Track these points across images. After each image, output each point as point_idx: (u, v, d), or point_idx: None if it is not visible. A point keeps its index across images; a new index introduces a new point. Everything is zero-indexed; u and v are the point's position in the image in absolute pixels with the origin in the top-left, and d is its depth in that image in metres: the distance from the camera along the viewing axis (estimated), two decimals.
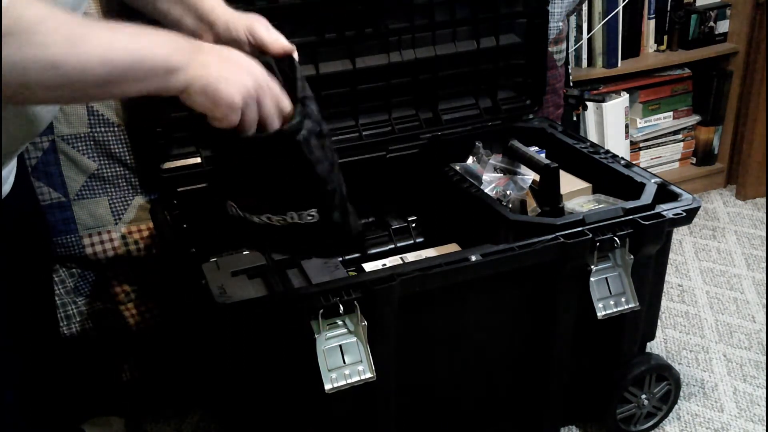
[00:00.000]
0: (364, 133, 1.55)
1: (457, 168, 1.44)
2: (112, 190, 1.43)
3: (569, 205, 1.37)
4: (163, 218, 1.31)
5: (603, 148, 1.51)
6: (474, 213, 1.34)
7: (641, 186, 1.32)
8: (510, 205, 1.36)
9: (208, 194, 1.33)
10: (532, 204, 1.39)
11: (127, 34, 0.74)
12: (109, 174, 1.42)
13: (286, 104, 0.87)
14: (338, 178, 0.96)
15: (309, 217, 0.95)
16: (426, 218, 1.56)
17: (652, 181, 1.34)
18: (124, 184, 1.44)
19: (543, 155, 1.46)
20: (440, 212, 1.50)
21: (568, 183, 1.44)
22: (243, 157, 0.91)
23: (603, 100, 2.06)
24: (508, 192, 1.37)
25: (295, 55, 0.98)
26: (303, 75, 0.94)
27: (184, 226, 1.29)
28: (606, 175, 1.43)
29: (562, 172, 1.35)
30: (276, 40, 0.96)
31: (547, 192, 1.33)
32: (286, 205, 0.94)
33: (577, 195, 1.42)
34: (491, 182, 1.39)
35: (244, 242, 1.04)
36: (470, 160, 1.49)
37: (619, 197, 1.36)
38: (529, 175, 1.39)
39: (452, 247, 1.43)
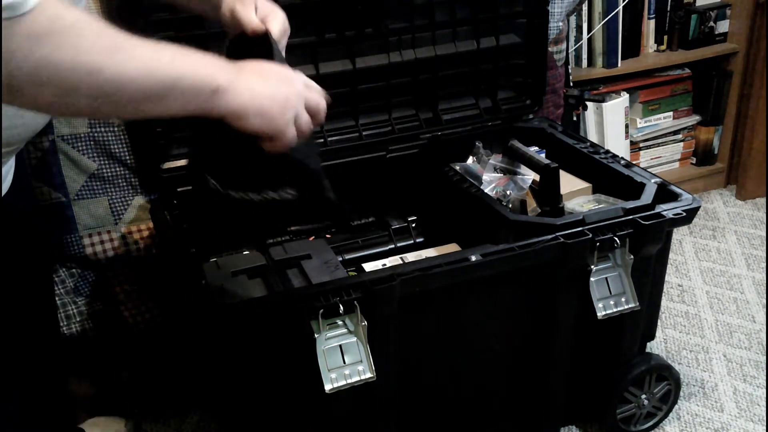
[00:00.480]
0: (364, 133, 1.55)
1: (457, 168, 1.44)
2: (112, 190, 1.43)
3: (569, 205, 1.37)
4: (163, 218, 1.31)
5: (603, 148, 1.51)
6: (474, 213, 1.34)
7: (641, 186, 1.32)
8: (510, 205, 1.36)
9: (189, 169, 1.29)
10: (532, 204, 1.39)
11: (170, 51, 0.73)
12: (109, 174, 1.42)
13: (323, 105, 0.89)
14: (317, 154, 0.98)
15: (287, 195, 0.95)
16: (426, 218, 1.56)
17: (652, 181, 1.34)
18: (124, 184, 1.44)
19: (543, 155, 1.46)
20: (440, 212, 1.50)
21: (568, 183, 1.44)
22: (227, 138, 0.91)
23: (603, 100, 2.06)
24: (508, 192, 1.37)
25: (276, 28, 0.99)
26: (279, 52, 0.96)
27: (184, 226, 1.29)
28: (606, 175, 1.43)
29: (562, 172, 1.35)
30: (250, 20, 0.97)
31: (547, 192, 1.33)
32: (265, 183, 0.95)
33: (577, 195, 1.42)
34: (491, 182, 1.39)
35: (221, 217, 1.04)
36: (470, 160, 1.49)
37: (619, 197, 1.35)
38: (529, 175, 1.39)
39: (452, 247, 1.42)
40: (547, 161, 1.33)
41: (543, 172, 1.33)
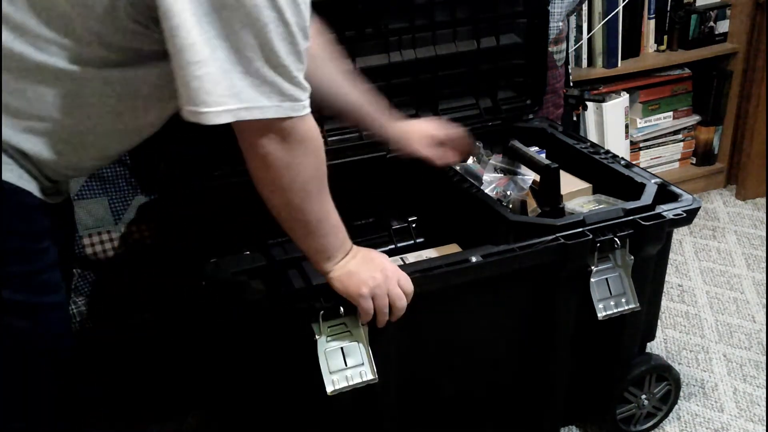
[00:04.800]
0: (364, 133, 1.55)
1: (458, 168, 1.44)
2: (112, 190, 1.43)
3: (569, 205, 1.37)
4: (164, 218, 1.31)
5: (603, 148, 1.51)
6: (474, 213, 1.34)
7: (641, 186, 1.32)
8: (510, 206, 1.36)
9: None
10: (532, 204, 1.39)
11: (334, 215, 0.98)
12: (109, 174, 1.42)
13: (410, 287, 1.05)
14: None
15: None
16: (426, 218, 1.56)
17: (652, 181, 1.34)
18: (124, 184, 1.44)
19: (543, 155, 1.46)
20: (440, 212, 1.50)
21: (569, 183, 1.44)
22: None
23: (603, 100, 2.06)
24: (508, 192, 1.37)
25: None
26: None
27: (186, 226, 1.29)
28: (606, 175, 1.43)
29: (562, 173, 1.35)
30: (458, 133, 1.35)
31: (548, 192, 1.33)
32: None
33: (577, 195, 1.42)
34: (491, 182, 1.39)
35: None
36: (470, 161, 1.49)
37: (619, 197, 1.35)
38: (530, 176, 1.39)
39: (452, 248, 1.42)
40: (548, 161, 1.33)
41: (543, 173, 1.33)
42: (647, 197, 1.28)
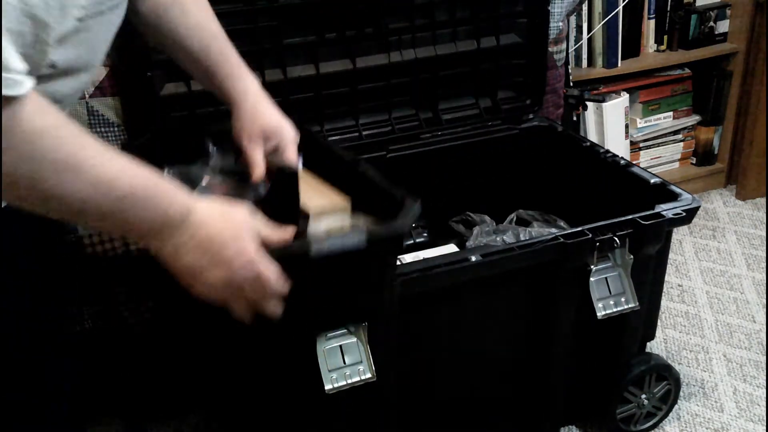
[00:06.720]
0: (364, 133, 1.55)
1: (168, 171, 1.09)
2: None
3: (315, 227, 1.04)
4: None
5: (603, 148, 1.51)
6: None
7: (642, 186, 1.32)
8: None
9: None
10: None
11: (128, 180, 0.72)
12: None
13: (277, 288, 0.84)
14: None
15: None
16: (426, 218, 1.57)
17: (652, 181, 1.34)
18: None
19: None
20: None
21: (322, 195, 1.10)
22: None
23: (603, 100, 2.06)
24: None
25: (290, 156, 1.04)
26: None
27: None
28: (606, 175, 1.43)
29: (317, 181, 1.11)
30: (255, 165, 1.02)
31: (280, 207, 1.01)
32: None
33: (329, 213, 1.07)
34: (207, 189, 1.05)
35: None
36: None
37: (618, 197, 1.36)
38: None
39: (452, 248, 1.43)
40: (289, 163, 1.05)
41: (278, 179, 1.05)
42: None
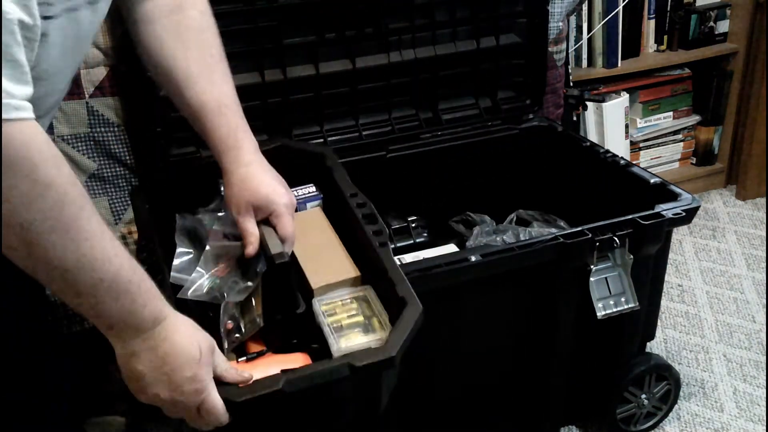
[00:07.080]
0: (364, 133, 1.55)
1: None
2: (112, 190, 1.43)
3: (319, 305, 0.98)
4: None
5: (603, 148, 1.51)
6: None
7: (641, 186, 1.32)
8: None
9: None
10: (257, 309, 0.98)
11: (113, 270, 0.70)
12: (109, 174, 1.42)
13: (220, 422, 0.81)
14: None
15: None
16: (426, 218, 1.57)
17: (652, 181, 1.34)
18: (124, 184, 1.44)
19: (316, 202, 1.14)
20: None
21: (327, 269, 1.03)
22: None
23: (603, 100, 2.06)
24: (224, 293, 1.01)
25: (286, 230, 0.98)
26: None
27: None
28: (606, 175, 1.43)
29: (326, 250, 1.05)
30: (248, 238, 0.97)
31: (280, 293, 0.98)
32: None
33: (339, 287, 1.01)
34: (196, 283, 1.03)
35: None
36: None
37: (618, 197, 1.36)
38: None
39: (452, 248, 1.43)
40: (279, 250, 0.95)
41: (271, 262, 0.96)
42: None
